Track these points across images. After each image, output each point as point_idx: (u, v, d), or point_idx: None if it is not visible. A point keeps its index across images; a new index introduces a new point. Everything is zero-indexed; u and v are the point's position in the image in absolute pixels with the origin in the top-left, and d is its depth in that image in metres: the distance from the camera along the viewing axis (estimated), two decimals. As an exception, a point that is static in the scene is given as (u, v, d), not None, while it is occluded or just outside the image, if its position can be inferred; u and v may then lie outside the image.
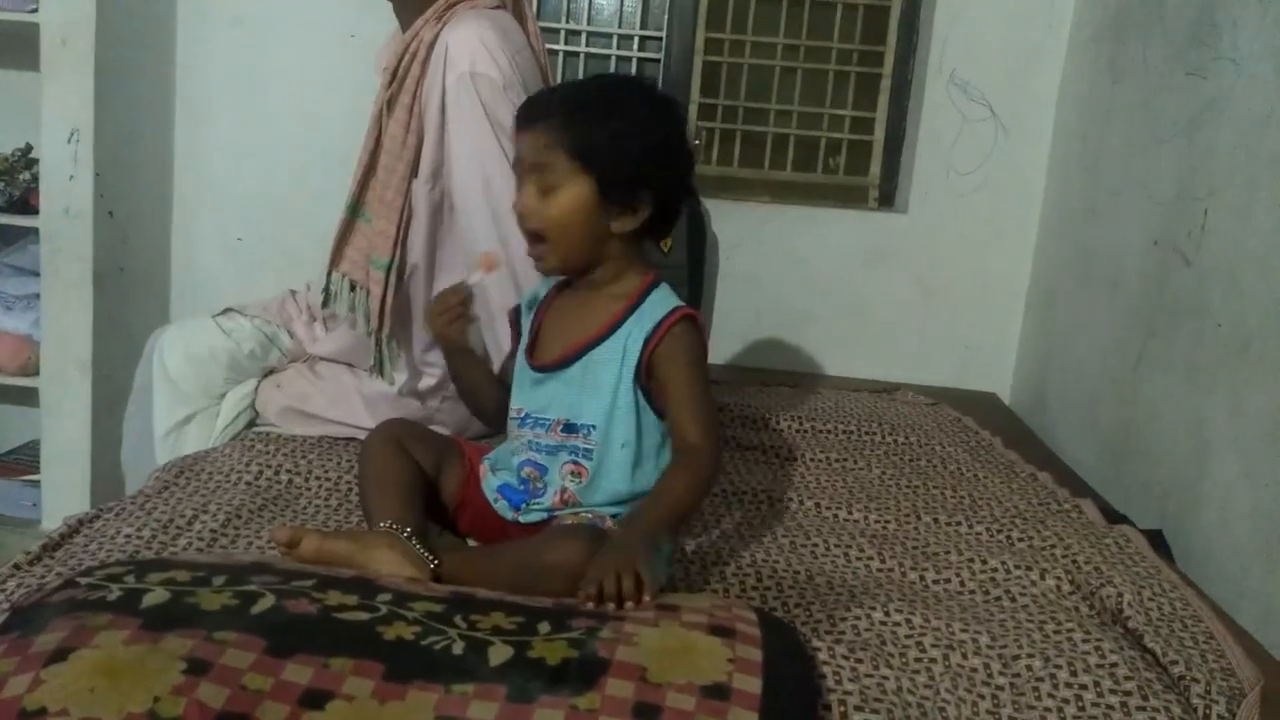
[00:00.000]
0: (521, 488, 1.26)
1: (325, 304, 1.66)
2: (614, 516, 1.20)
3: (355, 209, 1.62)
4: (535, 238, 1.20)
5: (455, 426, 1.64)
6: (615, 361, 1.19)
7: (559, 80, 2.53)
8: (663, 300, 1.21)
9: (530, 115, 1.20)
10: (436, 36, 1.54)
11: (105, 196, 2.35)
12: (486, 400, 1.35)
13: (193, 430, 1.69)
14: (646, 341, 1.18)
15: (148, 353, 1.74)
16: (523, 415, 1.25)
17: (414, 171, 1.56)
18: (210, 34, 2.58)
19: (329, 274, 1.65)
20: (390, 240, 1.57)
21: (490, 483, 1.30)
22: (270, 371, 1.77)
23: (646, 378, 1.19)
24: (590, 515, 1.20)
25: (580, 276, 1.24)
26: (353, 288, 1.63)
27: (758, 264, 2.61)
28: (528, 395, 1.25)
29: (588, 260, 1.22)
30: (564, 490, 1.22)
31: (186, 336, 1.73)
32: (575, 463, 1.21)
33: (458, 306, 1.31)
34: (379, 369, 1.63)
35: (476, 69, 1.49)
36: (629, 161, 1.17)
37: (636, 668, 0.85)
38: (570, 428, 1.21)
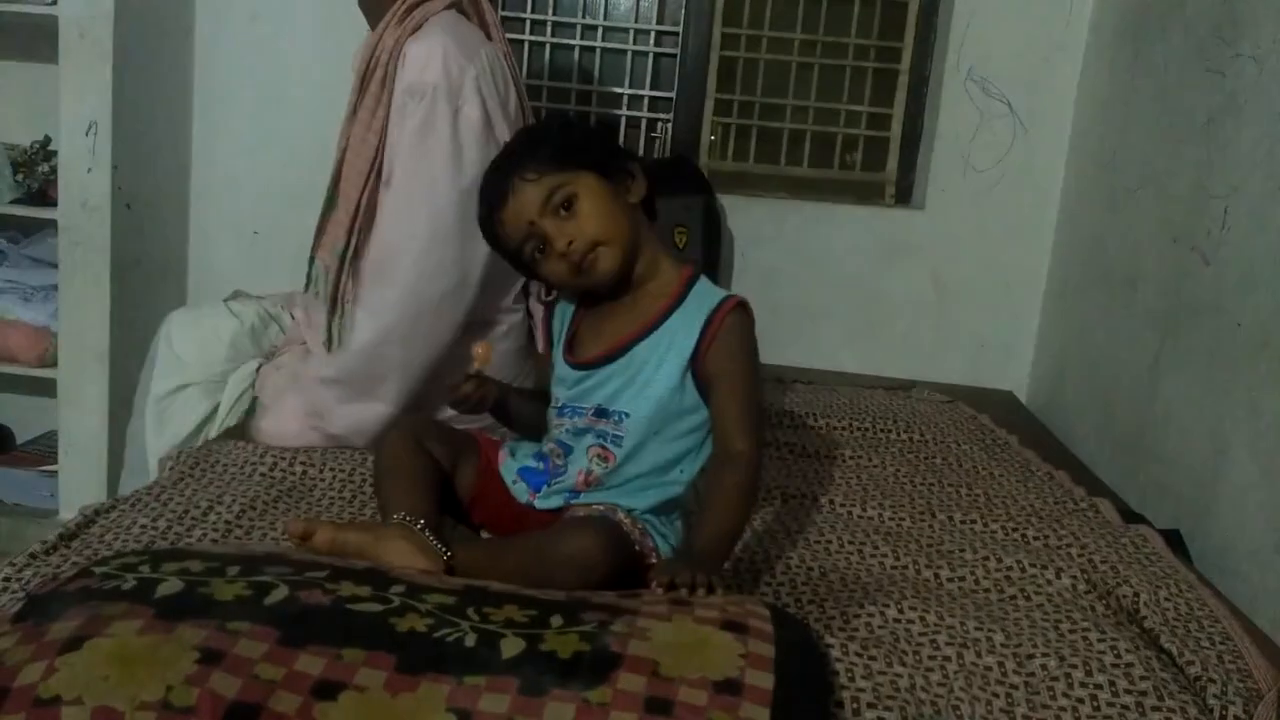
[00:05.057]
0: (542, 467, 1.27)
1: (306, 288, 1.73)
2: (629, 511, 1.20)
3: (331, 201, 1.68)
4: (590, 247, 1.19)
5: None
6: (659, 355, 1.20)
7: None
8: (709, 291, 1.23)
9: (517, 176, 1.20)
10: (397, 43, 1.58)
11: (123, 189, 2.36)
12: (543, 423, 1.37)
13: (185, 398, 1.76)
14: (702, 334, 1.18)
15: (160, 332, 1.84)
16: (561, 406, 1.27)
17: (376, 173, 1.60)
18: (228, 27, 2.59)
19: (311, 260, 1.73)
20: (345, 230, 1.63)
21: (510, 465, 1.31)
22: (272, 354, 1.83)
23: (700, 371, 1.19)
24: (602, 507, 1.20)
25: (625, 278, 1.24)
26: (328, 274, 1.68)
27: (774, 260, 2.61)
28: (568, 391, 1.26)
29: (635, 246, 1.22)
30: (588, 472, 1.23)
31: (196, 317, 1.85)
32: (603, 447, 1.22)
33: (471, 396, 1.33)
34: (328, 347, 1.67)
35: (425, 78, 1.54)
36: (596, 140, 1.29)
37: (649, 662, 0.84)
38: (602, 412, 1.22)
